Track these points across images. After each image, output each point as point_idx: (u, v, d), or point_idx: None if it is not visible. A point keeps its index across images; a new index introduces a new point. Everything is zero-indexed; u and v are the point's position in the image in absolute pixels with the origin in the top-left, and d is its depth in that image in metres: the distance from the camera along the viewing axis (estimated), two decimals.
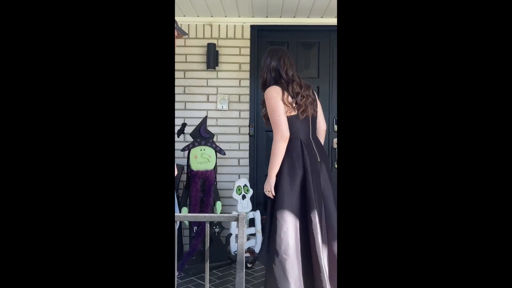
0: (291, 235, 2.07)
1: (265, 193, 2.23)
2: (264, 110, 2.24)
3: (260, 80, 2.33)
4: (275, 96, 2.13)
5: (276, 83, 2.18)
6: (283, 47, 2.62)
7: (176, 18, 3.14)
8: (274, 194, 2.19)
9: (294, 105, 2.14)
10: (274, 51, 2.29)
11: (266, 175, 3.07)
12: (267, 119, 2.26)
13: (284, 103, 2.12)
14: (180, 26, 3.12)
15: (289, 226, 2.08)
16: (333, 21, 3.52)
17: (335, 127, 3.62)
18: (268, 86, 2.21)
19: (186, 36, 2.30)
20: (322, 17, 3.50)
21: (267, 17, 3.51)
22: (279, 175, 2.17)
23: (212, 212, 3.14)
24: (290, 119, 2.13)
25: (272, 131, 2.39)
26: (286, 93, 2.14)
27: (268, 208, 2.30)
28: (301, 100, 2.15)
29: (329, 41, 3.65)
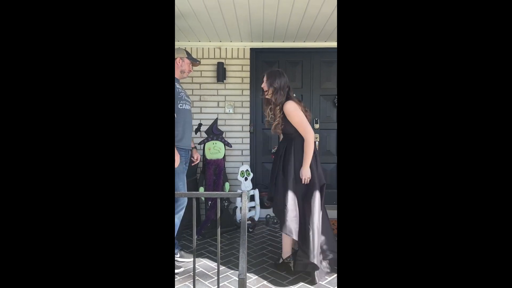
0: (296, 207, 2.27)
1: (304, 181, 2.23)
2: (277, 122, 2.25)
3: (269, 91, 2.31)
4: (298, 108, 2.25)
5: (289, 98, 2.30)
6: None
7: (193, 43, 3.82)
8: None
9: (305, 114, 2.32)
10: (281, 73, 2.31)
11: (262, 163, 3.58)
12: (279, 129, 2.27)
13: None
14: (191, 52, 3.67)
15: (295, 203, 2.27)
16: (313, 44, 3.82)
17: (315, 125, 3.89)
18: (286, 101, 2.25)
19: (199, 63, 2.69)
20: (304, 41, 3.79)
21: (262, 41, 3.82)
22: (285, 168, 2.26)
23: (222, 190, 3.37)
24: None
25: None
26: (300, 106, 2.29)
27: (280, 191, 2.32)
28: (305, 110, 2.34)
29: (310, 60, 3.89)
